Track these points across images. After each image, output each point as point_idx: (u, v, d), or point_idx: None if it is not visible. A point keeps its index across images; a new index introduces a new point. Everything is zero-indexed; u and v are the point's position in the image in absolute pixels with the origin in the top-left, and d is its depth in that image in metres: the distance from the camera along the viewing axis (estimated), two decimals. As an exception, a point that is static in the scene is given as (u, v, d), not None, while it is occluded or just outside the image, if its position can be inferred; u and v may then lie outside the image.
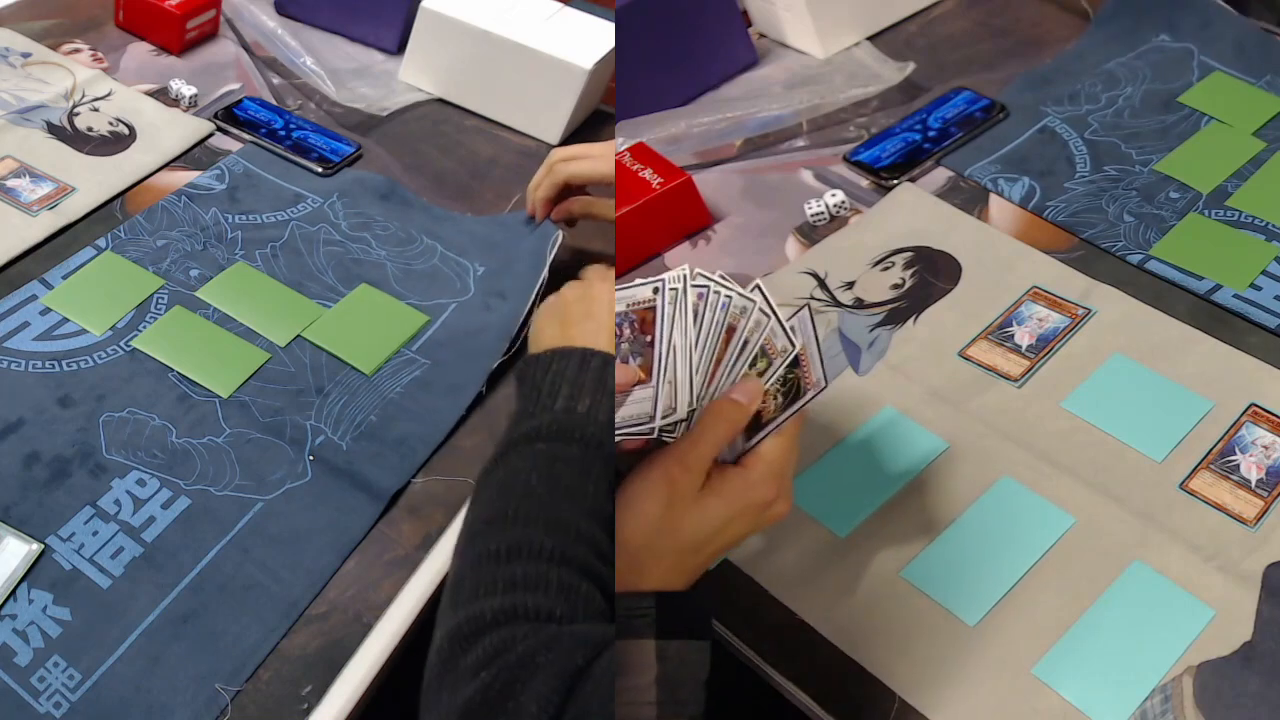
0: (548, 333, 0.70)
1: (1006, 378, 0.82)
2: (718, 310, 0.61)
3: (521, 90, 1.07)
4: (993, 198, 0.97)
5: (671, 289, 0.61)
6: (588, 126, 1.11)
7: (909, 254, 0.92)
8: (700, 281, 0.61)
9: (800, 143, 1.05)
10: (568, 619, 0.54)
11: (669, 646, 0.56)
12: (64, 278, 0.87)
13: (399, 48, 1.17)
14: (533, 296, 0.86)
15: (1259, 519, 0.72)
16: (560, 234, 0.90)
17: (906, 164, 1.00)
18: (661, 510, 0.57)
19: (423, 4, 1.08)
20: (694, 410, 0.60)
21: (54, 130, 1.02)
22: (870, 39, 1.18)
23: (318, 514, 0.73)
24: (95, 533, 0.70)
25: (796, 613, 0.69)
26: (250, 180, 0.99)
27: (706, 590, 0.62)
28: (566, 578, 0.56)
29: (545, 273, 0.87)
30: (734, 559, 0.72)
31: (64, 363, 0.81)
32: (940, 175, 1.00)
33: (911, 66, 1.13)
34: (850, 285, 0.90)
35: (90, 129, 1.02)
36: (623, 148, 0.97)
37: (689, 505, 0.58)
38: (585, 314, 0.69)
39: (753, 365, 0.61)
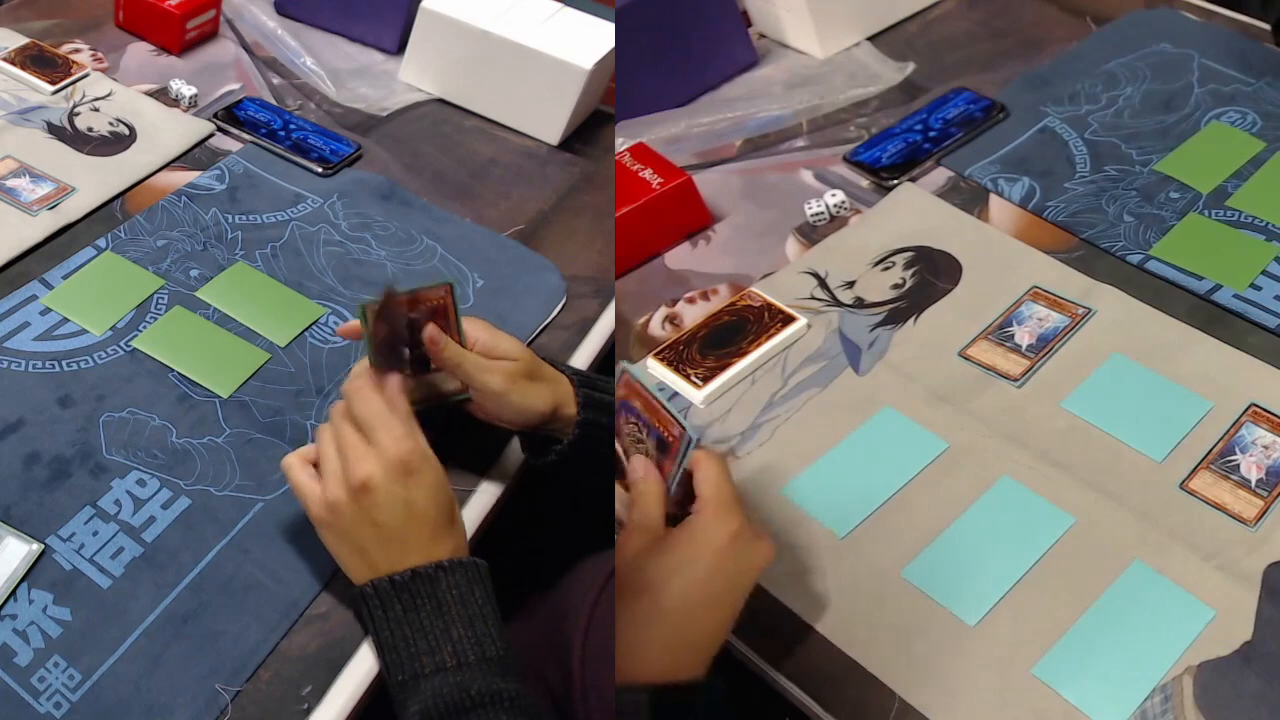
0: (350, 566, 0.66)
1: (1006, 377, 0.82)
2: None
3: (521, 90, 1.07)
4: (993, 198, 0.97)
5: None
6: (588, 126, 1.12)
7: (909, 254, 0.92)
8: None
9: (800, 143, 1.05)
10: None
11: None
12: (64, 278, 0.87)
13: (399, 48, 1.17)
14: (528, 340, 0.88)
15: (1259, 519, 0.72)
16: (566, 297, 0.91)
17: (906, 164, 1.00)
18: (626, 594, 0.58)
19: (423, 4, 1.08)
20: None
21: (54, 130, 1.02)
22: (870, 39, 1.18)
23: (318, 514, 0.73)
24: (95, 533, 0.70)
25: (796, 613, 0.69)
26: (250, 180, 0.99)
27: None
28: None
29: (543, 323, 0.89)
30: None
31: (64, 363, 0.81)
32: (940, 175, 1.00)
33: (911, 66, 1.13)
34: (850, 285, 0.90)
35: (90, 129, 1.02)
36: (623, 148, 0.97)
37: (651, 566, 0.59)
38: (386, 535, 0.65)
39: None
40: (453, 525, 0.67)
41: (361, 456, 0.64)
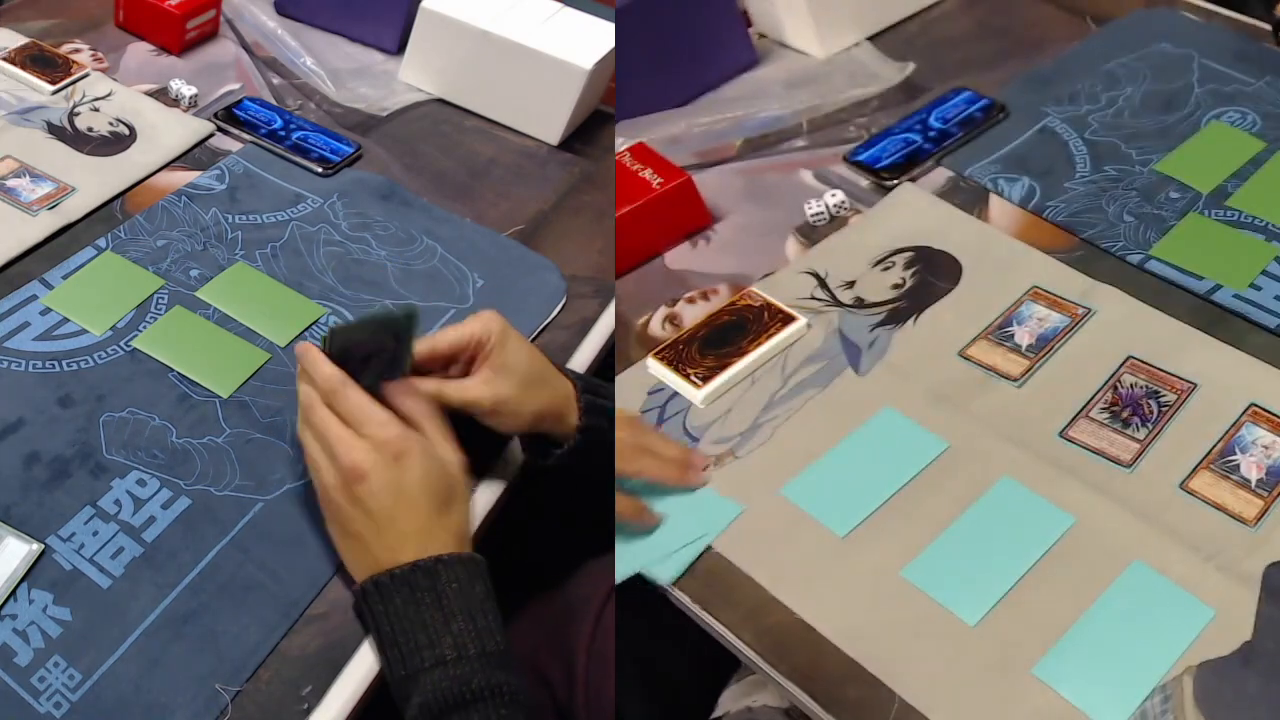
0: (350, 559, 0.68)
1: (1006, 378, 0.82)
2: None
3: (521, 90, 1.07)
4: (993, 198, 0.97)
5: None
6: (588, 126, 1.12)
7: (909, 254, 0.92)
8: None
9: (800, 143, 1.05)
10: None
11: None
12: (64, 278, 0.87)
13: (399, 48, 1.17)
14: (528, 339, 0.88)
15: (1259, 519, 0.72)
16: (566, 297, 0.91)
17: (906, 164, 1.00)
18: None
19: (423, 4, 1.08)
20: None
21: (54, 130, 1.02)
22: (870, 39, 1.18)
23: (318, 514, 0.73)
24: (95, 533, 0.70)
25: (796, 613, 0.69)
26: (250, 180, 0.99)
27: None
28: None
29: (544, 322, 0.89)
30: (734, 559, 0.72)
31: (64, 363, 0.81)
32: (940, 175, 1.00)
33: (911, 66, 1.13)
34: (850, 285, 0.90)
35: (90, 129, 1.02)
36: (623, 148, 0.97)
37: None
38: (379, 522, 0.65)
39: None
40: (447, 513, 0.66)
41: (351, 445, 0.65)
